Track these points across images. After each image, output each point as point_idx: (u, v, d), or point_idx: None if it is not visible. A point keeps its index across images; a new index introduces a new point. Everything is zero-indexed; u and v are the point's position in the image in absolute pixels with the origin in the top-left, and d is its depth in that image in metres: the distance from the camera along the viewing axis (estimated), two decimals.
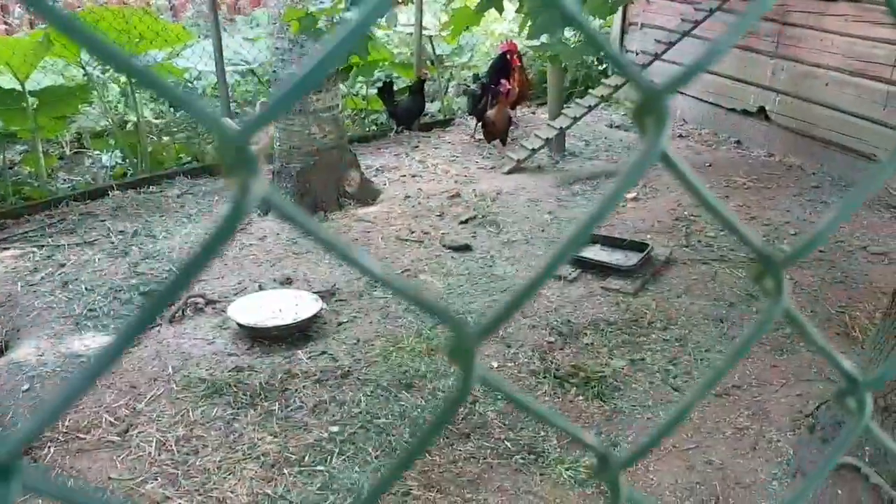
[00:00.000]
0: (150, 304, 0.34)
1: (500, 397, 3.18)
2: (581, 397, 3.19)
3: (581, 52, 3.33)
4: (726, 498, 2.68)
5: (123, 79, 6.28)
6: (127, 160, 5.75)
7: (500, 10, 2.34)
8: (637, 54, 6.09)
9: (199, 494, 2.64)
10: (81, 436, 2.91)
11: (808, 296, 3.87)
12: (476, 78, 6.48)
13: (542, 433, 3.00)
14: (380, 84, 6.35)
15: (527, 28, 2.22)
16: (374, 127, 6.62)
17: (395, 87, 6.40)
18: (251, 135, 0.33)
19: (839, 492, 2.74)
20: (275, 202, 0.34)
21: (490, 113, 5.81)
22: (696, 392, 0.54)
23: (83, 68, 5.84)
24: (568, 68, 4.84)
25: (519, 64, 6.19)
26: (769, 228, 4.63)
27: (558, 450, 2.92)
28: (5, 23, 8.44)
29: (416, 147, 6.21)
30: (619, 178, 0.44)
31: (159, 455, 2.82)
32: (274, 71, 4.94)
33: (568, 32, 5.15)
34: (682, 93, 6.58)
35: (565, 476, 2.80)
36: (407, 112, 6.28)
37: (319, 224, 0.36)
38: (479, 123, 6.06)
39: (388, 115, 6.44)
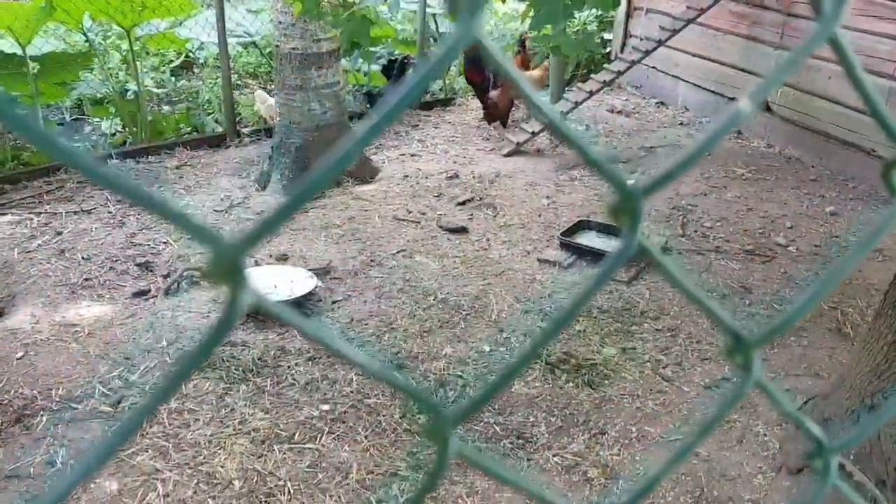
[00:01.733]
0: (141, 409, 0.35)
1: (489, 381, 3.21)
2: (571, 384, 3.22)
3: (583, 44, 3.31)
4: (711, 490, 2.71)
5: (125, 46, 6.24)
6: (126, 129, 5.73)
7: None
8: (641, 39, 6.06)
9: (190, 468, 2.67)
10: (74, 405, 2.93)
11: (802, 290, 3.88)
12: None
13: (532, 419, 3.03)
14: (384, 62, 6.31)
15: (529, 18, 2.21)
16: (368, 104, 6.59)
17: (404, 67, 6.35)
18: (245, 249, 0.33)
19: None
20: (264, 306, 0.35)
21: (493, 94, 5.79)
22: (664, 468, 0.55)
23: (85, 35, 5.80)
24: (569, 59, 4.82)
25: (523, 47, 6.16)
26: (766, 220, 4.64)
27: (546, 436, 2.96)
28: None
29: (416, 126, 6.20)
30: (599, 271, 0.46)
31: (150, 427, 2.85)
32: (276, 45, 4.91)
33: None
34: (684, 80, 6.57)
35: (553, 462, 2.83)
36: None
37: (302, 320, 0.36)
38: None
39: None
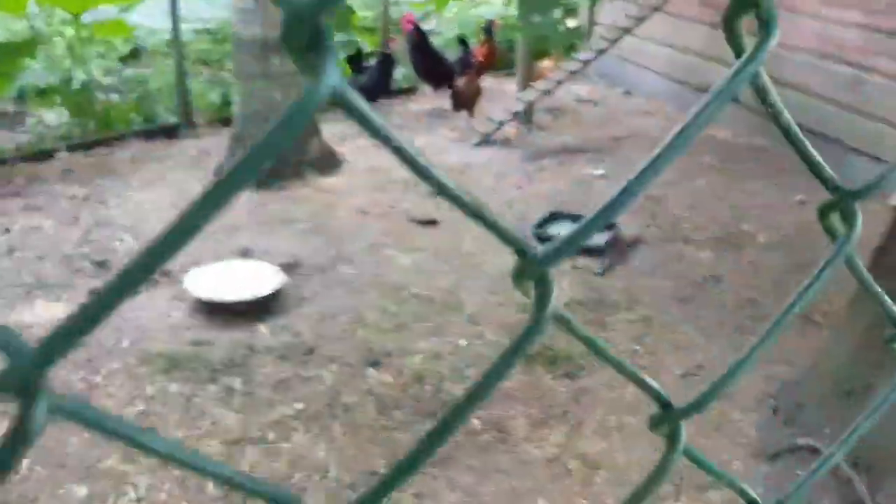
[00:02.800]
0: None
1: (468, 376, 3.15)
2: (549, 376, 3.17)
3: (570, 37, 3.26)
4: (690, 477, 2.69)
5: (70, 32, 5.99)
6: (75, 120, 5.50)
7: None
8: (608, 27, 6.04)
9: (161, 471, 2.54)
10: None
11: (772, 282, 3.89)
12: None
13: (511, 412, 2.98)
14: (349, 52, 6.16)
15: (520, 11, 2.13)
16: None
17: (361, 57, 6.22)
18: (45, 366, 0.26)
19: (798, 473, 2.79)
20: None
21: (460, 82, 5.72)
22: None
23: (29, 21, 5.55)
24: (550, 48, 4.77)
25: (489, 33, 6.11)
26: (735, 209, 4.66)
27: (526, 429, 2.91)
28: None
29: (381, 116, 6.08)
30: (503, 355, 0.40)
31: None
32: (234, 31, 4.75)
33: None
34: (650, 69, 6.57)
35: (533, 454, 2.79)
36: (367, 90, 6.04)
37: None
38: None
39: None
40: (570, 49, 6.35)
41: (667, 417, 0.49)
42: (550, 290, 0.38)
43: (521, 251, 0.37)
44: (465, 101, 5.70)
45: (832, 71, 5.02)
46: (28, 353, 0.26)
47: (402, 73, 6.76)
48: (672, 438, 0.49)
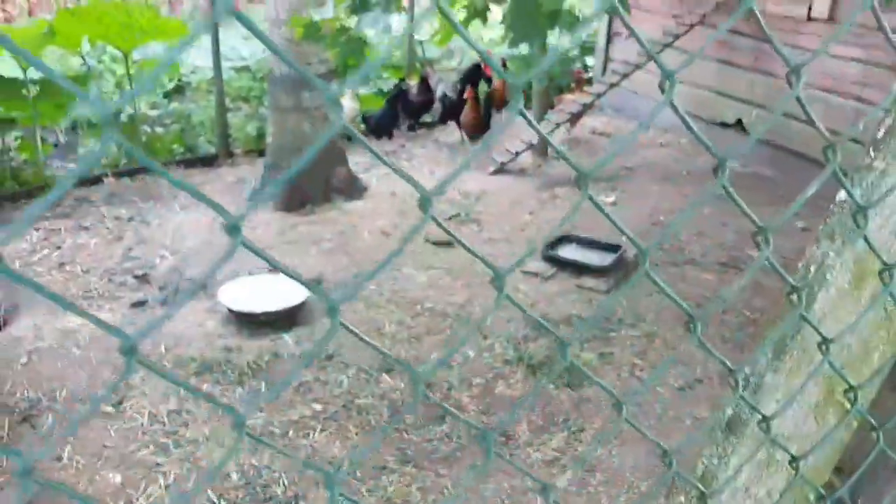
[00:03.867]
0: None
1: (474, 384, 3.38)
2: (552, 385, 3.38)
3: (561, 66, 3.53)
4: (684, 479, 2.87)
5: (120, 70, 6.45)
6: (121, 149, 5.90)
7: (485, 21, 2.54)
8: (621, 63, 6.31)
9: (189, 462, 2.81)
10: (78, 406, 3.07)
11: (772, 303, 4.06)
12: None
13: (514, 418, 3.19)
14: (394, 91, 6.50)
15: (508, 38, 2.41)
16: (362, 126, 6.80)
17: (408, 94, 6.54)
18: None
19: None
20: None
21: (462, 115, 6.13)
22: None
23: (83, 58, 5.99)
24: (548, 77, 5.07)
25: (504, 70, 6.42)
26: (739, 235, 4.85)
27: (528, 433, 3.11)
28: (4, 10, 8.58)
29: (404, 146, 6.40)
30: None
31: (151, 426, 2.99)
32: (270, 69, 5.12)
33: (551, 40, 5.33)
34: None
35: (534, 457, 2.99)
36: (380, 125, 6.36)
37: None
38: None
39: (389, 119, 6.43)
40: (587, 83, 6.62)
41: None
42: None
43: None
44: (469, 130, 6.09)
45: (833, 104, 5.22)
46: None
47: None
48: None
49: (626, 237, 0.70)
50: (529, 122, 0.59)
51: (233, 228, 0.49)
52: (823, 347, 0.74)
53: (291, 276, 0.58)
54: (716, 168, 0.68)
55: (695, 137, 0.70)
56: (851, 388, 0.76)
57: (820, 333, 0.74)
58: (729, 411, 0.84)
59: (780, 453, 0.83)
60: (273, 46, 0.50)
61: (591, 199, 0.63)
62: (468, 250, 0.62)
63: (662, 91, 0.64)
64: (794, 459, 0.81)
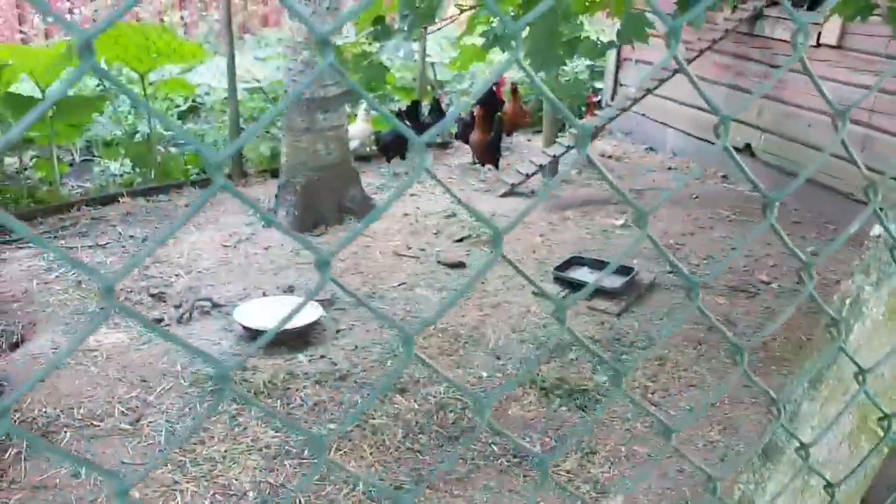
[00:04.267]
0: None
1: (497, 398, 3.39)
2: (564, 407, 3.40)
3: (573, 89, 3.59)
4: (695, 502, 2.88)
5: (136, 90, 6.54)
6: (136, 169, 5.97)
7: (504, 49, 2.58)
8: (631, 87, 6.38)
9: (206, 481, 2.83)
10: (95, 423, 3.10)
11: (784, 327, 4.07)
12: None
13: (527, 439, 3.21)
14: (402, 107, 6.47)
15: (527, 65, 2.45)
16: (375, 146, 6.86)
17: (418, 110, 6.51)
18: None
19: None
20: None
21: (470, 137, 6.18)
22: None
23: (99, 79, 6.08)
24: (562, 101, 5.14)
25: (514, 94, 6.49)
26: (750, 259, 4.88)
27: (541, 455, 3.13)
28: (21, 31, 8.70)
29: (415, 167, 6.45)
30: None
31: (168, 444, 3.02)
32: (285, 91, 5.18)
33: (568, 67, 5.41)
34: (672, 127, 6.87)
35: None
36: (388, 145, 6.29)
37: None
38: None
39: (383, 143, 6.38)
40: (598, 106, 6.68)
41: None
42: None
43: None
44: (480, 154, 6.11)
45: None
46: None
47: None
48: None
49: (678, 271, 0.73)
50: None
51: (323, 264, 0.53)
52: (860, 378, 0.77)
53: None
54: (765, 206, 0.71)
55: (747, 180, 0.73)
56: (886, 416, 0.79)
57: (857, 364, 0.77)
58: (766, 438, 0.87)
59: (814, 479, 0.85)
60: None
61: (650, 237, 0.67)
62: (517, 268, 0.65)
63: (717, 135, 0.67)
64: (829, 486, 0.83)
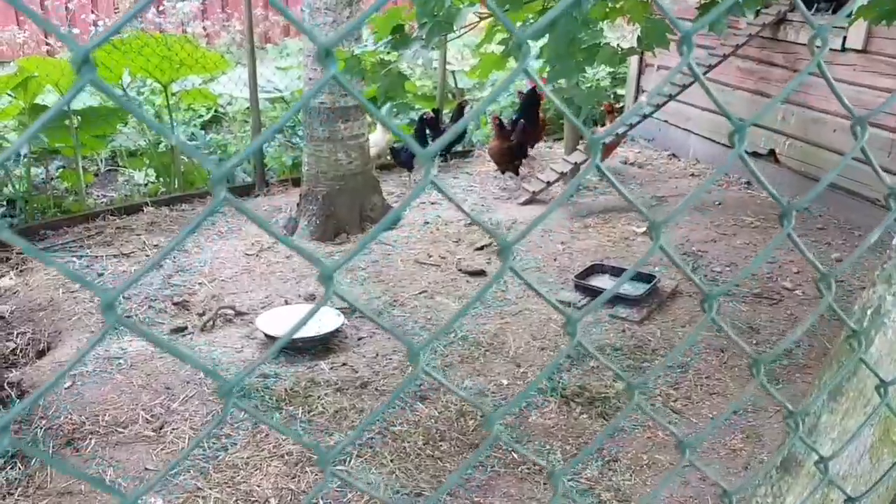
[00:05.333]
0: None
1: (509, 413, 3.39)
2: (585, 415, 3.39)
3: (594, 96, 3.58)
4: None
5: (159, 101, 6.62)
6: (160, 179, 6.04)
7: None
8: (650, 95, 6.35)
9: (229, 487, 2.85)
10: (120, 430, 3.13)
11: (807, 334, 4.02)
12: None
13: (548, 447, 3.20)
14: (426, 113, 6.46)
15: (545, 73, 2.46)
16: (392, 157, 6.88)
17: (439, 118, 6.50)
18: None
19: None
20: None
21: (491, 144, 6.16)
22: None
23: (123, 90, 6.16)
24: (582, 110, 5.13)
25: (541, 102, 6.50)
26: (773, 266, 4.83)
27: (562, 462, 3.11)
28: (47, 44, 8.85)
29: (436, 176, 6.46)
30: None
31: (191, 450, 3.04)
32: None
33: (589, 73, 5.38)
34: (695, 133, 6.83)
35: (568, 486, 2.99)
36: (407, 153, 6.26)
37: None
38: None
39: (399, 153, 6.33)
40: (619, 112, 6.66)
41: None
42: None
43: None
44: (499, 161, 6.07)
45: (869, 135, 5.19)
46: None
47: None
48: None
49: (694, 283, 0.73)
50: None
51: (326, 278, 0.54)
52: (882, 390, 0.77)
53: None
54: (782, 216, 0.71)
55: (764, 189, 0.73)
56: None
57: (879, 377, 0.76)
58: (784, 451, 0.86)
59: (834, 493, 0.84)
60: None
61: (662, 248, 0.67)
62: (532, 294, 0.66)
63: (732, 144, 0.67)
64: (849, 500, 0.82)
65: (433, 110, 6.50)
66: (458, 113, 6.48)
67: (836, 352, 0.82)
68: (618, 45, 2.66)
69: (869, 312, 0.85)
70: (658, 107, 5.87)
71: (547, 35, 2.38)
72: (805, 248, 0.80)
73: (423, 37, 2.36)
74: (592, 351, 0.72)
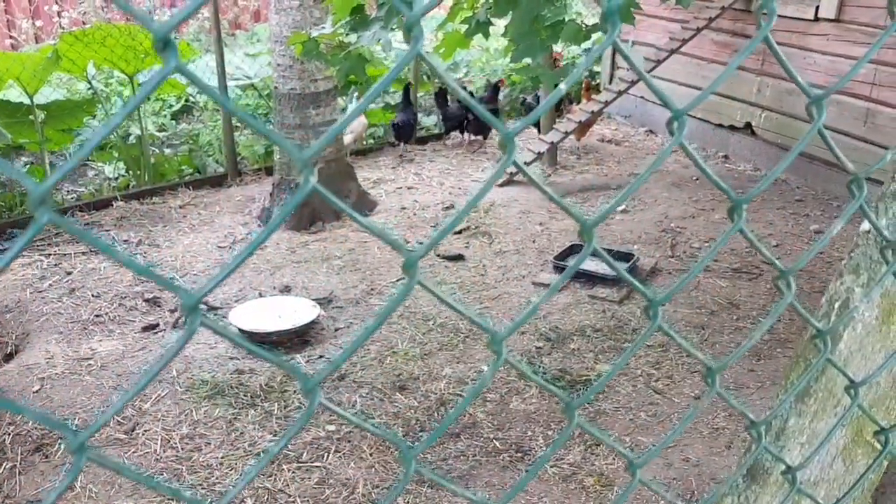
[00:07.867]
0: None
1: (489, 400, 3.34)
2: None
3: (560, 74, 3.51)
4: (701, 493, 2.83)
5: (127, 93, 6.47)
6: (130, 172, 5.92)
7: (486, 36, 2.51)
8: (627, 70, 6.28)
9: (203, 488, 2.78)
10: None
11: (788, 308, 3.99)
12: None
13: (529, 433, 3.15)
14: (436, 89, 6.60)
15: (510, 52, 2.39)
16: (370, 140, 6.80)
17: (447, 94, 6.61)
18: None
19: None
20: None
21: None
22: None
23: (89, 83, 6.01)
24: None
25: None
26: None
27: (544, 448, 3.07)
28: (11, 37, 8.64)
29: (412, 160, 6.39)
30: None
31: (164, 452, 2.97)
32: (275, 86, 5.11)
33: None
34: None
35: (550, 472, 2.95)
36: (400, 128, 6.36)
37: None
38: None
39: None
40: (596, 90, 6.59)
41: None
42: None
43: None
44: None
45: (844, 104, 5.17)
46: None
47: (433, 119, 7.10)
48: None
49: (638, 290, 0.67)
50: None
51: (191, 309, 0.48)
52: (852, 391, 0.71)
53: None
54: (731, 210, 0.65)
55: (708, 179, 0.67)
56: (882, 430, 0.73)
57: (848, 377, 0.71)
58: (750, 460, 0.80)
59: (805, 501, 0.79)
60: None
61: (595, 248, 0.60)
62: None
63: (671, 132, 0.61)
64: None
65: (440, 89, 6.52)
66: (494, 91, 6.48)
67: (802, 349, 0.77)
68: (582, 21, 2.60)
69: (836, 306, 0.79)
70: (633, 83, 5.81)
71: (511, 13, 2.31)
72: (760, 245, 0.74)
73: (382, 18, 2.28)
74: (524, 370, 0.65)
